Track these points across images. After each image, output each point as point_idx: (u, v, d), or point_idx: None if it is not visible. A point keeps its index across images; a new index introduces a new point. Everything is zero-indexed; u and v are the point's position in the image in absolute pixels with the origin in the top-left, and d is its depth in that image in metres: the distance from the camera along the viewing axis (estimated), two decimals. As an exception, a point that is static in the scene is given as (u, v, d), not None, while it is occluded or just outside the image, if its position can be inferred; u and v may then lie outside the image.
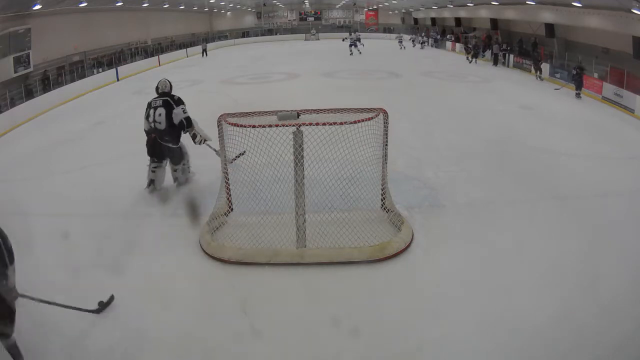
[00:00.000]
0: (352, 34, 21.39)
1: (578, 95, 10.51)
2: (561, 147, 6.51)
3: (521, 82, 12.81)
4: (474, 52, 17.46)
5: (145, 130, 5.05)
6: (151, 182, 5.11)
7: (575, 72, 10.63)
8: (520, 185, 5.11)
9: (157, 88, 5.14)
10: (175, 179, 5.22)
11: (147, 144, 5.01)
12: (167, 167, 5.19)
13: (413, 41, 24.86)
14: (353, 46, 20.16)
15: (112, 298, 3.18)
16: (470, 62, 17.20)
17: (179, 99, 5.03)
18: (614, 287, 3.25)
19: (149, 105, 5.01)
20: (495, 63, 16.55)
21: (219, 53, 24.29)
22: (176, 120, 4.88)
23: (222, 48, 27.38)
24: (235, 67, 16.87)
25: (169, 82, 5.20)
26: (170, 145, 4.97)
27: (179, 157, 5.11)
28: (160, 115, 4.88)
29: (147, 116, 4.98)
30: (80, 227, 4.40)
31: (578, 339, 2.76)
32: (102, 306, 3.12)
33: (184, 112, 4.93)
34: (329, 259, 3.58)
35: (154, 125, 4.89)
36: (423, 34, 24.83)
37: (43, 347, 2.79)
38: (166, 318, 3.04)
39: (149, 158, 5.08)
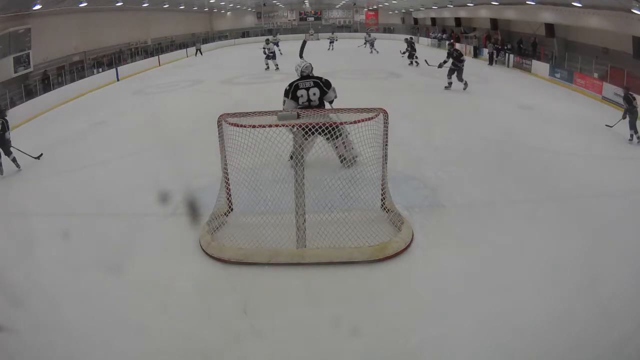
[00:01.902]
0: (270, 39, 15.92)
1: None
2: (561, 147, 6.50)
3: (521, 82, 12.81)
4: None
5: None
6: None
7: (627, 105, 6.93)
8: (520, 185, 5.11)
9: (301, 71, 5.51)
10: (340, 157, 5.00)
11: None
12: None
13: (366, 41, 21.26)
14: (271, 58, 14.60)
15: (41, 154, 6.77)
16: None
17: (327, 81, 5.52)
18: (614, 287, 3.25)
19: (297, 87, 5.37)
20: (491, 62, 16.56)
21: (219, 53, 24.28)
22: (328, 100, 5.54)
23: (222, 48, 27.38)
24: (235, 67, 16.87)
25: (310, 64, 5.64)
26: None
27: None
28: (315, 94, 5.40)
29: (299, 97, 5.34)
30: (80, 227, 4.40)
31: (578, 338, 2.76)
32: (39, 156, 6.73)
33: (334, 91, 5.55)
34: (329, 259, 3.57)
35: (309, 103, 5.40)
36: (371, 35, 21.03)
37: (43, 347, 2.79)
38: (166, 318, 3.04)
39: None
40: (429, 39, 25.30)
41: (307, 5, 34.51)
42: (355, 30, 33.93)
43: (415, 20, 30.56)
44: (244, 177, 4.01)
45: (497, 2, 17.41)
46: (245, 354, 2.76)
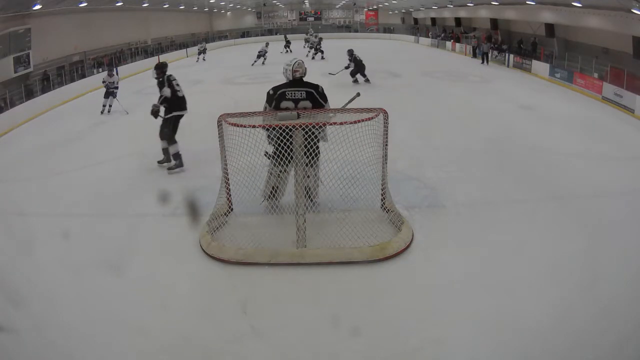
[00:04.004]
0: (202, 44, 16.09)
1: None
2: (561, 147, 6.51)
3: (521, 82, 12.81)
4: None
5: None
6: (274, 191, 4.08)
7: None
8: (520, 185, 5.11)
9: (293, 72, 4.07)
10: (307, 190, 3.95)
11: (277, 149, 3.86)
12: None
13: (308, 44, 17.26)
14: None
15: None
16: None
17: (323, 90, 4.13)
18: (614, 287, 3.25)
19: (283, 96, 4.03)
20: (484, 61, 16.63)
21: (219, 53, 24.26)
22: None
23: (222, 48, 27.36)
24: (235, 67, 16.86)
25: (303, 62, 4.11)
26: (317, 141, 3.94)
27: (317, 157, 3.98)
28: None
29: (282, 109, 4.04)
30: (80, 227, 4.40)
31: (578, 339, 2.76)
32: None
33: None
34: (329, 259, 3.57)
35: None
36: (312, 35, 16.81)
37: (43, 347, 2.79)
38: (166, 318, 3.04)
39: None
40: (430, 39, 25.32)
41: (307, 5, 34.55)
42: (356, 31, 33.95)
43: (415, 20, 30.61)
44: (244, 177, 4.01)
45: (497, 2, 17.44)
46: (245, 354, 2.75)
